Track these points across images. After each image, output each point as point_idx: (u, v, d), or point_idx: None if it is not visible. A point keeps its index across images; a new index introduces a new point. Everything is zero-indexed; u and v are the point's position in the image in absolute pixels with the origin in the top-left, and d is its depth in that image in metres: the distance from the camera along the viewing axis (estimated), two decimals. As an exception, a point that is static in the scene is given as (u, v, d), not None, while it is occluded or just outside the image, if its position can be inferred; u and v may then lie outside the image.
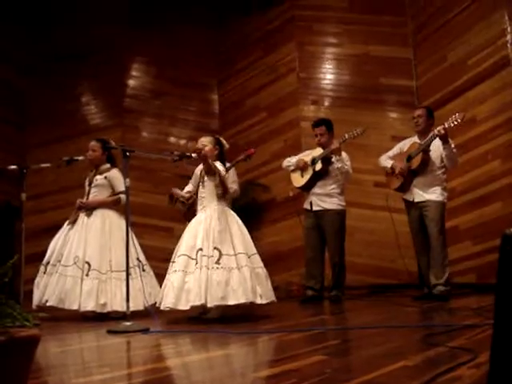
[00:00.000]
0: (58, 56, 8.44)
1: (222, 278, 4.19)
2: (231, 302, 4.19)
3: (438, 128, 5.18)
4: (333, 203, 5.88)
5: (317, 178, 5.91)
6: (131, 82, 8.85)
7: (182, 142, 8.78)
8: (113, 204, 5.28)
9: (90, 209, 5.21)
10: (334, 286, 5.87)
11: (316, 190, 5.93)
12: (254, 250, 4.56)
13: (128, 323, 3.95)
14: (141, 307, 4.76)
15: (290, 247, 7.48)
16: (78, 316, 4.92)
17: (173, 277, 4.32)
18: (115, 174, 5.31)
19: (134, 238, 5.08)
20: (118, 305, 4.74)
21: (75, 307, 4.77)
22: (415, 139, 5.67)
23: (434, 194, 5.48)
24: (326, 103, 7.87)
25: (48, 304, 4.80)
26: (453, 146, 5.37)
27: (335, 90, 7.91)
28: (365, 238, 7.18)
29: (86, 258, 4.92)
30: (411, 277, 6.14)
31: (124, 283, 4.24)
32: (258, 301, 4.30)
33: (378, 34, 7.73)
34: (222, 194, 4.63)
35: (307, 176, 5.95)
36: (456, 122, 5.07)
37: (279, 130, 8.04)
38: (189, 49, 8.85)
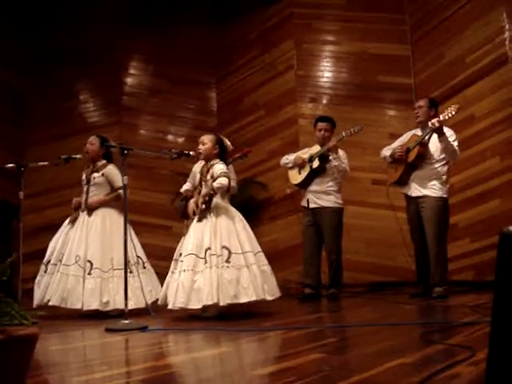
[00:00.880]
0: (57, 55, 8.42)
1: (232, 277, 4.23)
2: (243, 300, 4.24)
3: (432, 121, 5.16)
4: (330, 201, 5.88)
5: (314, 175, 5.91)
6: (129, 80, 8.84)
7: (180, 139, 8.78)
8: (114, 201, 5.27)
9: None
10: (332, 283, 5.87)
11: (313, 187, 5.93)
12: (259, 248, 4.61)
13: (126, 321, 3.95)
14: (142, 305, 4.75)
15: (287, 245, 7.48)
16: (77, 314, 4.91)
17: (182, 276, 4.31)
18: (112, 170, 5.29)
19: (134, 235, 5.08)
20: (121, 303, 4.73)
21: (78, 306, 4.74)
22: (416, 131, 5.64)
23: (432, 189, 5.40)
24: (324, 101, 7.87)
25: (50, 303, 4.77)
26: (453, 138, 5.32)
27: (333, 88, 7.91)
28: (362, 235, 7.18)
29: (88, 257, 4.90)
30: (409, 274, 6.14)
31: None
32: (268, 298, 4.37)
33: (376, 32, 7.73)
34: (225, 192, 4.63)
35: (304, 173, 5.95)
36: (451, 115, 5.05)
37: (277, 127, 8.04)
38: (187, 47, 8.83)
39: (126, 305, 4.08)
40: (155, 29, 8.63)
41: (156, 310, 4.57)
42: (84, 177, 5.37)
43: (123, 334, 3.71)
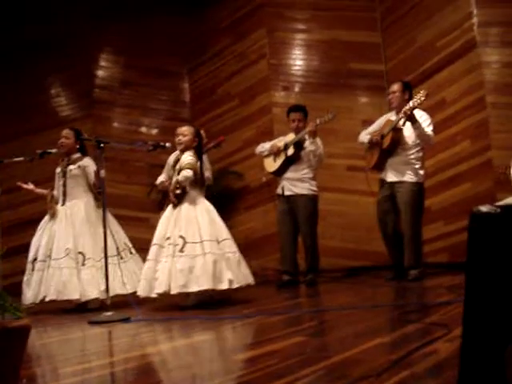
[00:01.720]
0: (26, 47, 8.31)
1: (184, 266, 4.28)
2: (193, 289, 4.27)
3: (404, 109, 5.21)
4: (304, 188, 5.91)
5: (289, 163, 5.94)
6: (100, 73, 8.75)
7: (154, 131, 8.75)
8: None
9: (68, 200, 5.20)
10: (309, 269, 5.92)
11: (288, 174, 5.96)
12: (226, 236, 4.60)
13: (109, 313, 3.97)
14: (135, 289, 4.71)
15: (264, 233, 7.52)
16: (58, 309, 4.92)
17: (145, 266, 4.49)
18: (88, 163, 5.28)
19: (117, 223, 5.17)
20: (118, 288, 4.76)
21: (76, 296, 4.76)
22: (391, 116, 5.65)
23: (408, 175, 5.43)
24: (297, 89, 7.90)
25: (47, 299, 4.77)
26: (427, 122, 5.34)
27: (305, 76, 7.94)
28: (338, 221, 7.24)
29: (79, 249, 4.92)
30: (385, 259, 6.23)
31: (118, 267, 4.31)
32: (223, 287, 4.34)
33: (347, 19, 7.75)
34: (195, 182, 4.66)
35: (279, 161, 5.98)
36: (420, 101, 5.09)
37: (251, 116, 8.05)
38: (158, 37, 8.77)
39: (107, 296, 4.11)
40: (126, 20, 8.55)
41: (138, 301, 4.58)
42: (59, 170, 5.35)
43: (106, 326, 3.74)
